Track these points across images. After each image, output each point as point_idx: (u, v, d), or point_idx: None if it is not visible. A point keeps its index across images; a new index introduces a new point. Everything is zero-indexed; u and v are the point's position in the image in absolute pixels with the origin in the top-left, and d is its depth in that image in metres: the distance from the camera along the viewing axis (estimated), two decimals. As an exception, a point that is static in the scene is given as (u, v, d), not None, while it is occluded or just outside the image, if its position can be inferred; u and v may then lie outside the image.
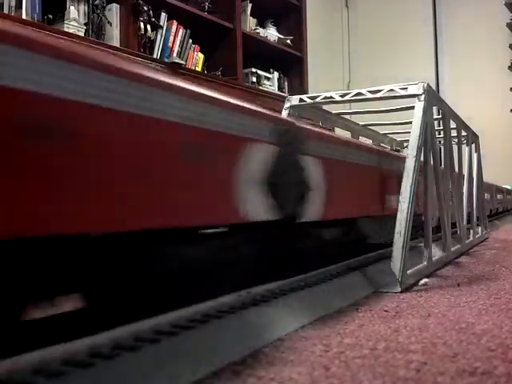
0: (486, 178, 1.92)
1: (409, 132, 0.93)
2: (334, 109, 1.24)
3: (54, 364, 0.36)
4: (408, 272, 0.81)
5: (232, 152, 0.55)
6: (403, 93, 0.95)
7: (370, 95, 0.99)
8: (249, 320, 0.53)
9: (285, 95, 4.50)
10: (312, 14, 5.76)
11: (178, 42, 4.38)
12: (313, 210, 0.72)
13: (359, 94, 1.00)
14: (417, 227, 1.03)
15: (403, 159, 0.90)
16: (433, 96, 0.99)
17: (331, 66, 6.81)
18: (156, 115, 0.45)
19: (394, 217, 0.83)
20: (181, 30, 4.32)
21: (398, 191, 0.86)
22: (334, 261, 0.88)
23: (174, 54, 4.17)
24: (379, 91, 0.98)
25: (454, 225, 1.25)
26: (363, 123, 1.44)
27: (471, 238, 1.43)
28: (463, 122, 1.41)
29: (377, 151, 1.03)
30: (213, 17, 4.71)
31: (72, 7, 3.41)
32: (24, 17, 3.24)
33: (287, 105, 1.06)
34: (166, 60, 4.09)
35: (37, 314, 0.43)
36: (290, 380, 0.39)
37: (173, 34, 4.29)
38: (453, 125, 1.31)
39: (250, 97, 4.76)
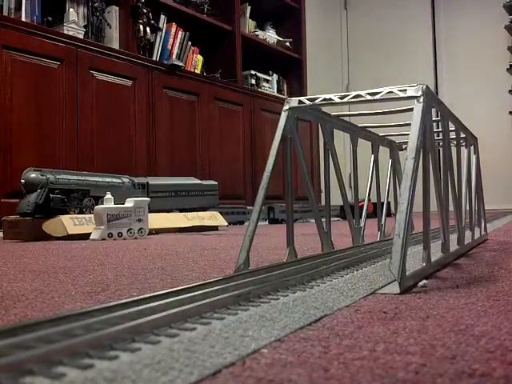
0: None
1: (408, 134, 0.93)
2: (333, 111, 1.24)
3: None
4: (407, 273, 0.81)
5: None
6: (402, 95, 0.96)
7: (368, 97, 0.99)
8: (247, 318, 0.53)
9: (284, 97, 4.53)
10: (311, 17, 5.79)
11: (177, 45, 4.39)
12: None
13: (358, 95, 1.01)
14: None
15: None
16: (431, 98, 0.99)
17: (330, 68, 6.83)
18: None
19: None
20: (180, 33, 4.33)
21: None
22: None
23: (174, 56, 4.18)
24: (378, 93, 0.98)
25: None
26: (362, 125, 1.44)
27: (470, 240, 1.43)
28: (462, 124, 1.42)
29: None
30: (212, 19, 4.73)
31: (71, 9, 3.43)
32: (23, 19, 3.26)
33: (286, 107, 1.06)
34: (166, 62, 4.11)
35: None
36: (289, 381, 0.39)
37: (172, 36, 4.31)
38: (451, 127, 1.31)
39: (249, 98, 4.78)
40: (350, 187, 1.46)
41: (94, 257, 1.42)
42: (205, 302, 0.56)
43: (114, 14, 3.66)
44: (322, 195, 2.34)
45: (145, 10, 3.73)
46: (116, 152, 3.49)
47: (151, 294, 0.56)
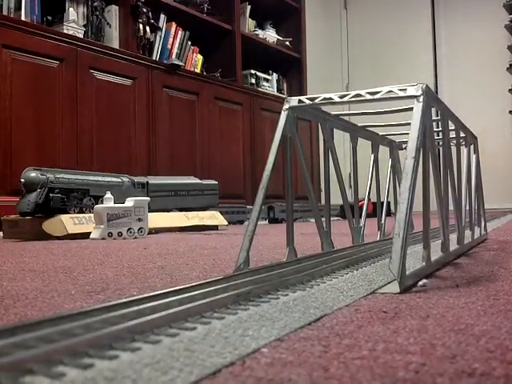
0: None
1: (408, 133, 0.93)
2: (332, 110, 1.24)
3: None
4: (407, 273, 0.81)
5: None
6: (402, 94, 0.95)
7: (368, 96, 0.99)
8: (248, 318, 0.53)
9: (284, 96, 4.54)
10: (311, 16, 5.79)
11: (177, 44, 4.39)
12: None
13: (358, 95, 1.00)
14: None
15: None
16: (431, 97, 0.99)
17: (330, 68, 6.83)
18: None
19: None
20: (180, 32, 4.33)
21: None
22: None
23: (173, 56, 4.18)
24: (378, 92, 0.98)
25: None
26: (362, 124, 1.44)
27: (470, 239, 1.43)
28: (462, 124, 1.42)
29: None
30: (212, 18, 4.73)
31: (71, 9, 3.43)
32: (23, 18, 3.26)
33: (286, 106, 1.06)
34: (165, 61, 4.11)
35: None
36: (289, 381, 0.39)
37: (172, 35, 4.31)
38: (451, 126, 1.31)
39: (248, 98, 4.77)
40: (350, 187, 1.46)
41: (93, 256, 1.42)
42: (205, 301, 0.56)
43: (113, 14, 3.65)
44: (322, 194, 2.35)
45: (144, 10, 3.73)
46: (116, 151, 3.49)
47: (151, 294, 0.56)
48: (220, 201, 3.34)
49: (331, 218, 1.25)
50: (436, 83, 6.56)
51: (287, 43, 5.19)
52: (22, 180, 2.22)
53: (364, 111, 1.28)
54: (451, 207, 1.21)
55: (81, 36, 3.39)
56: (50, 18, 3.37)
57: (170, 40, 4.03)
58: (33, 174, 2.23)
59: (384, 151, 1.62)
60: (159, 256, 1.40)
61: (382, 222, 1.58)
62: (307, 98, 1.06)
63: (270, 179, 1.00)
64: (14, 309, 0.69)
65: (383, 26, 6.76)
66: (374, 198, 1.55)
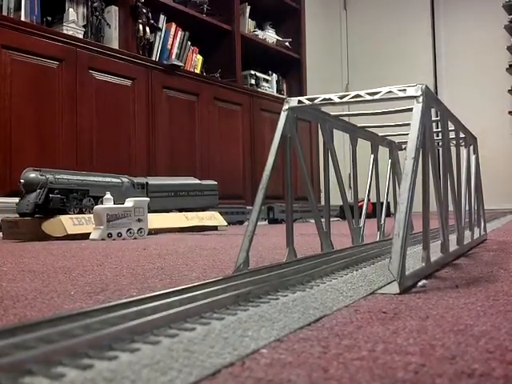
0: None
1: (407, 134, 0.93)
2: (332, 110, 1.24)
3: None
4: (406, 273, 0.81)
5: None
6: (401, 94, 0.96)
7: (368, 97, 0.99)
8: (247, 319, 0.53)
9: (283, 97, 4.54)
10: (311, 17, 5.79)
11: (176, 44, 4.39)
12: None
13: (358, 95, 1.01)
14: None
15: None
16: (431, 98, 0.99)
17: (330, 68, 6.83)
18: None
19: None
20: (179, 32, 4.33)
21: None
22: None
23: (173, 56, 4.19)
24: (377, 93, 0.98)
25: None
26: (362, 125, 1.44)
27: (469, 240, 1.43)
28: (461, 124, 1.42)
29: None
30: (211, 19, 4.74)
31: (71, 9, 3.44)
32: (23, 18, 3.26)
33: (286, 106, 1.06)
34: (165, 62, 4.11)
35: None
36: (288, 382, 0.39)
37: (171, 36, 4.31)
38: (451, 127, 1.31)
39: (248, 98, 4.77)
40: (350, 187, 1.46)
41: (93, 257, 1.42)
42: (204, 302, 0.56)
43: (113, 14, 3.65)
44: (322, 195, 2.35)
45: (144, 10, 3.73)
46: (115, 152, 3.49)
47: (151, 294, 0.56)
48: (220, 201, 3.33)
49: (331, 219, 1.25)
50: (435, 83, 6.56)
51: (287, 44, 5.19)
52: (22, 180, 2.22)
53: (363, 112, 1.28)
54: (451, 208, 1.21)
55: (80, 36, 3.39)
56: (49, 18, 3.36)
57: (170, 40, 4.03)
58: (32, 175, 2.23)
59: (384, 152, 1.62)
60: (159, 257, 1.40)
61: (382, 222, 1.58)
62: (307, 99, 1.06)
63: (270, 180, 1.00)
64: (14, 309, 0.68)
65: (383, 27, 6.77)
66: (373, 199, 1.55)
